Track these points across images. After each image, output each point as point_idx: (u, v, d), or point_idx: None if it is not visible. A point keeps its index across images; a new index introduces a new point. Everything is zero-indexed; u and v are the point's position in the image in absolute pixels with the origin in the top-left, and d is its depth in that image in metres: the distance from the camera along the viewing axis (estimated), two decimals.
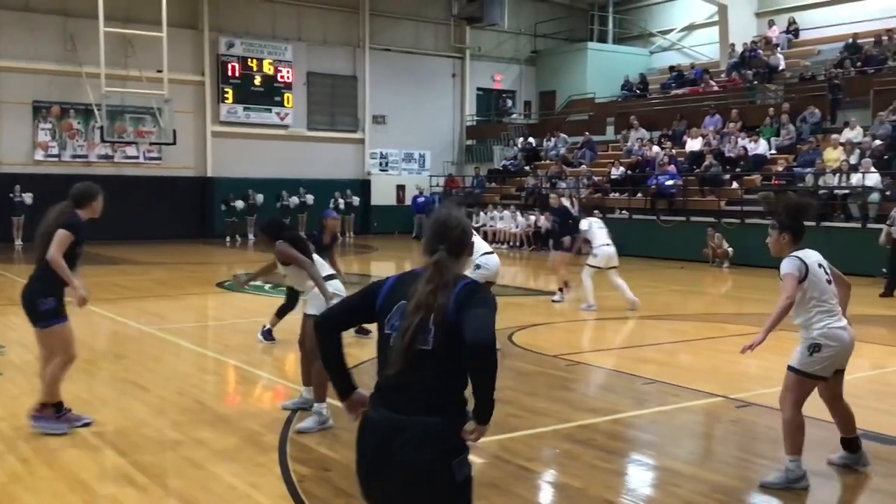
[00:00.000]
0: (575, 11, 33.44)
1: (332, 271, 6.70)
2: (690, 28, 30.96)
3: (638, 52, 32.21)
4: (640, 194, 22.53)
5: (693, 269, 18.45)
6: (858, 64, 22.74)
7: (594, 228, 12.37)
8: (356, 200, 28.68)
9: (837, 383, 5.17)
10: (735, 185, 20.72)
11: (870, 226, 15.99)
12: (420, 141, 30.85)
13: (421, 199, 28.48)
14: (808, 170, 19.16)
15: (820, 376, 5.00)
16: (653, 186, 21.98)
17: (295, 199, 26.93)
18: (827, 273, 5.02)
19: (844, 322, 5.02)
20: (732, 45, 27.38)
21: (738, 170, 21.13)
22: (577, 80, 31.16)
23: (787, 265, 4.95)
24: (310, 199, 26.97)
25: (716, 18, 28.81)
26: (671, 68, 29.03)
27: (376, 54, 29.89)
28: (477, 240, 10.31)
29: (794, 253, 5.00)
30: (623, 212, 22.67)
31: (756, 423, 6.57)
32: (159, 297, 13.57)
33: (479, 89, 32.56)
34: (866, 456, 5.26)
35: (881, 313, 12.03)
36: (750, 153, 21.25)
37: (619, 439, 5.98)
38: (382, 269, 20.37)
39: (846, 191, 17.51)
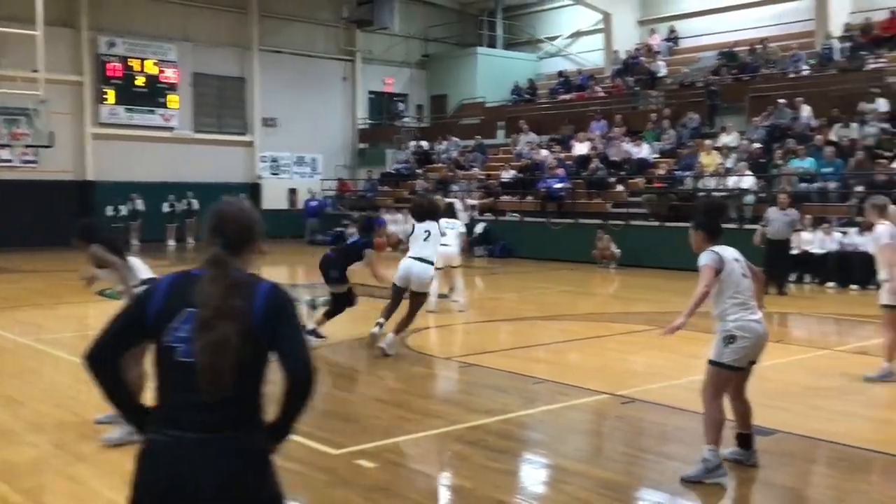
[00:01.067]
0: (464, 17, 33.80)
1: (152, 275, 6.32)
2: (577, 35, 31.75)
3: (526, 57, 32.80)
4: (530, 197, 22.93)
5: (582, 270, 18.89)
6: (734, 71, 23.82)
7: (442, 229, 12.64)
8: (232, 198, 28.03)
9: (745, 377, 5.39)
10: (620, 187, 21.34)
11: (745, 226, 16.73)
12: (312, 144, 30.52)
13: (314, 204, 28.18)
14: (688, 173, 19.92)
15: (736, 367, 5.20)
16: (542, 189, 22.40)
17: (183, 204, 26.18)
18: (743, 268, 5.25)
19: (759, 315, 5.25)
20: (616, 52, 28.23)
21: (622, 173, 21.77)
22: (468, 84, 31.50)
23: (704, 258, 5.21)
24: (196, 203, 26.25)
25: (600, 26, 29.64)
26: (559, 74, 29.70)
27: (266, 56, 29.39)
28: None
29: (712, 248, 5.25)
30: (514, 214, 23.04)
31: (640, 418, 6.76)
32: (35, 306, 12.94)
33: (370, 92, 32.47)
34: (756, 454, 5.45)
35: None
36: (634, 157, 21.94)
37: (508, 439, 6.05)
38: (274, 274, 20.02)
39: (723, 193, 18.27)
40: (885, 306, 7.86)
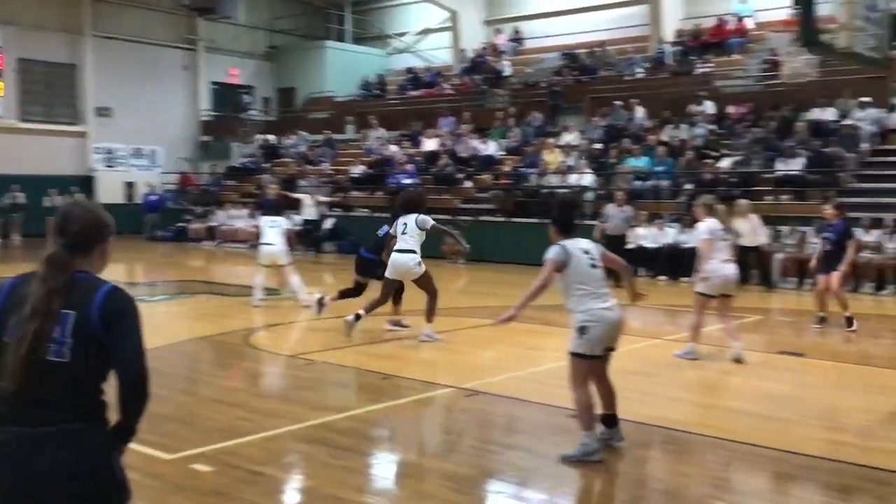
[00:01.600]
0: (312, 9, 33.31)
1: None
2: (425, 32, 31.95)
3: (376, 52, 32.72)
4: (379, 192, 22.87)
5: (431, 266, 18.93)
6: (575, 73, 24.67)
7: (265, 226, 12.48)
8: (81, 198, 26.53)
9: (605, 363, 5.58)
10: (469, 184, 21.64)
11: (586, 222, 17.34)
12: (150, 136, 29.21)
13: (153, 198, 26.97)
14: (533, 170, 20.45)
15: (593, 355, 5.35)
16: (392, 185, 22.39)
17: (8, 198, 24.46)
18: (593, 259, 5.39)
19: (610, 303, 5.42)
20: (463, 50, 28.63)
21: (470, 169, 22.09)
22: (317, 77, 31.07)
23: (550, 252, 5.40)
24: (22, 197, 24.60)
25: (448, 24, 29.96)
26: (408, 70, 29.79)
27: (100, 42, 27.87)
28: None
29: (561, 242, 5.41)
30: (364, 210, 22.91)
31: (484, 410, 6.84)
32: None
33: (214, 83, 31.43)
34: (621, 431, 5.67)
35: None
36: (481, 154, 22.32)
37: (352, 436, 5.96)
38: (112, 272, 18.99)
39: (566, 190, 18.86)
40: (697, 293, 8.71)
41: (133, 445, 5.51)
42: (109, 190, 28.10)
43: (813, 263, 11.34)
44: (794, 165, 16.94)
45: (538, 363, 8.55)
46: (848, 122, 17.68)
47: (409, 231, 9.50)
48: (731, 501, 4.84)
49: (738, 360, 8.40)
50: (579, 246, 5.44)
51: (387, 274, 9.60)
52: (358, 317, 9.46)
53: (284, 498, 5.01)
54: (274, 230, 12.16)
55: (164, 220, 26.33)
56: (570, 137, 21.31)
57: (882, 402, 7.06)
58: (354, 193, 23.54)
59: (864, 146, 17.28)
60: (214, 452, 5.43)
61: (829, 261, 10.73)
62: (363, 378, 7.84)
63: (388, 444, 5.98)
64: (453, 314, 12.11)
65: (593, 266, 5.40)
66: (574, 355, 5.37)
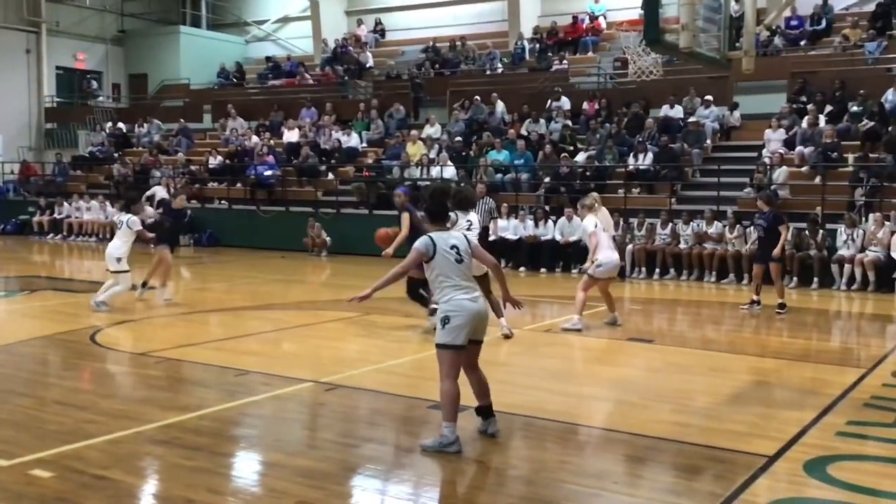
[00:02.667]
0: None
1: None
2: (285, 20, 31.36)
3: (233, 39, 31.84)
4: (239, 184, 22.30)
5: (294, 259, 18.73)
6: (437, 66, 24.85)
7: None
8: None
9: (474, 354, 5.60)
10: (331, 176, 21.42)
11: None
12: None
13: None
14: (395, 162, 20.47)
15: (457, 345, 5.36)
16: (252, 176, 21.90)
17: None
18: (460, 254, 5.41)
19: (474, 294, 5.46)
20: (325, 40, 28.28)
21: (333, 161, 21.88)
22: (171, 64, 29.91)
23: (417, 243, 5.44)
24: None
25: (308, 13, 29.52)
26: (267, 59, 29.15)
27: None
28: None
29: (431, 233, 5.46)
30: (222, 202, 22.28)
31: (343, 404, 6.77)
32: None
33: (59, 68, 29.73)
34: (496, 423, 5.73)
35: None
36: (344, 146, 22.13)
37: (205, 435, 5.76)
38: None
39: (427, 182, 18.98)
40: (587, 274, 10.06)
41: None
42: None
43: (747, 251, 13.37)
44: (644, 160, 17.71)
45: (400, 355, 8.56)
46: (693, 119, 18.63)
47: (473, 229, 8.86)
48: (585, 485, 4.99)
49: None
50: (448, 239, 5.48)
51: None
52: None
53: (132, 503, 4.78)
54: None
55: (4, 212, 24.70)
56: (431, 130, 21.45)
57: (723, 385, 7.47)
58: (212, 185, 22.84)
59: (708, 142, 18.25)
60: (56, 457, 5.13)
61: (763, 248, 11.81)
62: (218, 375, 7.60)
63: (243, 442, 5.83)
64: (315, 307, 11.98)
65: (459, 260, 5.44)
66: (440, 346, 5.40)
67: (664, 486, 5.04)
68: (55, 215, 23.73)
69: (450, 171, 19.27)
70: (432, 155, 20.15)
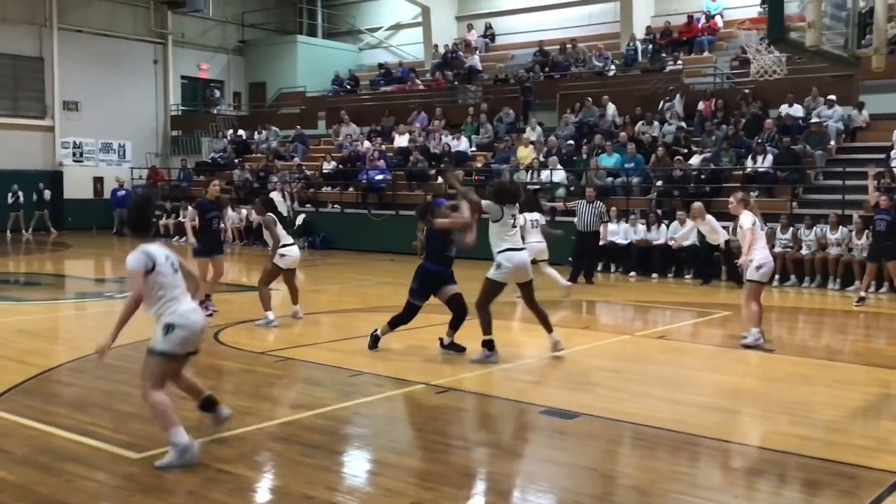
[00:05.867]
0: (283, 3, 33.11)
1: None
2: (397, 27, 31.88)
3: (347, 47, 32.58)
4: (351, 188, 22.79)
5: (403, 262, 18.96)
6: (546, 69, 24.73)
7: None
8: (47, 194, 26.13)
9: (182, 365, 5.48)
10: (440, 180, 21.61)
11: (557, 219, 17.41)
12: (119, 130, 28.89)
13: (122, 193, 26.66)
14: (505, 166, 20.49)
15: (177, 354, 5.30)
16: (363, 181, 22.34)
17: None
18: (174, 263, 5.36)
19: (194, 305, 5.43)
20: (436, 46, 28.59)
21: (442, 165, 22.08)
22: (288, 72, 30.88)
23: (132, 261, 5.21)
24: None
25: (420, 19, 29.90)
26: (380, 65, 29.70)
27: (66, 35, 27.48)
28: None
29: (140, 249, 5.26)
30: (335, 206, 22.84)
31: (455, 407, 6.84)
32: None
33: (183, 77, 31.13)
34: (222, 409, 5.63)
35: (567, 298, 13.10)
36: (453, 150, 22.31)
37: (322, 433, 5.92)
38: (78, 267, 18.78)
39: (537, 186, 18.93)
40: (749, 281, 9.20)
41: (99, 444, 5.48)
42: (77, 185, 27.80)
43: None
44: (762, 162, 17.12)
45: (510, 360, 8.56)
46: (815, 119, 17.90)
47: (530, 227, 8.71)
48: (702, 496, 4.87)
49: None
50: (159, 250, 5.35)
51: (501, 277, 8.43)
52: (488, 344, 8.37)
53: (254, 497, 4.97)
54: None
55: None
56: (533, 134, 21.35)
57: (848, 397, 7.15)
58: (325, 189, 23.43)
59: (832, 144, 17.49)
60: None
61: (881, 246, 12.17)
62: (333, 375, 7.80)
63: (358, 442, 5.96)
64: (425, 310, 12.07)
65: (175, 270, 5.38)
66: (160, 354, 5.25)
67: (786, 502, 4.86)
68: (180, 219, 24.83)
69: (559, 175, 19.13)
70: (542, 158, 20.05)
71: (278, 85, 31.09)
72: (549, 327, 8.56)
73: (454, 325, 8.72)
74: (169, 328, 5.19)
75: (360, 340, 9.68)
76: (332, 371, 7.95)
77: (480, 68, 26.41)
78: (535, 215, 13.31)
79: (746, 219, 9.21)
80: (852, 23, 6.88)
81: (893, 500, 4.73)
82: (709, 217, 14.77)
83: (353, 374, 7.71)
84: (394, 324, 8.94)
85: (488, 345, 8.30)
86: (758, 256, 9.07)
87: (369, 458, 5.59)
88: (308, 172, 24.18)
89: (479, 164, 21.60)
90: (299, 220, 21.94)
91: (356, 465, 5.49)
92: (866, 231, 14.16)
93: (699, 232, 15.20)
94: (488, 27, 29.21)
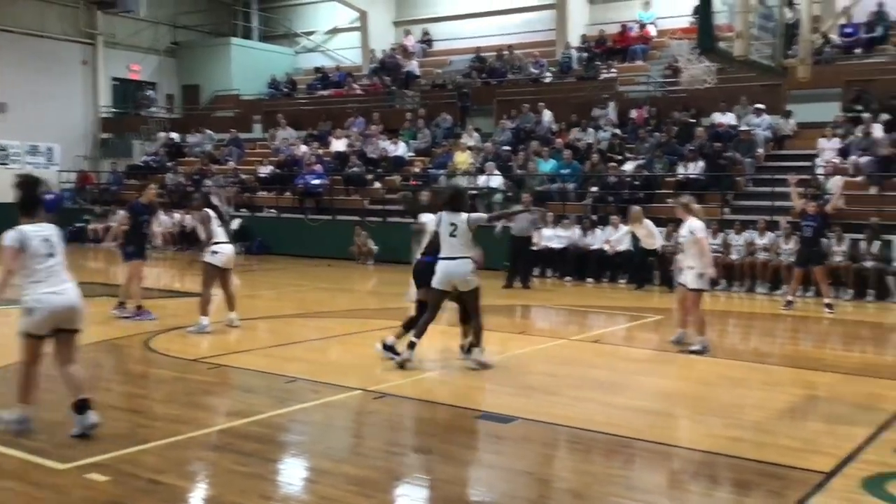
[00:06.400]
0: (217, 5, 32.60)
1: None
2: (334, 31, 31.66)
3: (283, 51, 32.22)
4: (288, 193, 22.56)
5: (340, 267, 18.88)
6: (483, 75, 24.87)
7: None
8: None
9: (66, 347, 5.70)
10: (378, 185, 21.56)
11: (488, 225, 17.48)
12: (47, 132, 27.99)
13: (50, 197, 25.63)
14: (442, 171, 20.52)
15: (36, 335, 5.55)
16: (300, 185, 22.14)
17: None
18: (52, 246, 5.59)
19: (60, 287, 5.59)
20: (373, 50, 28.51)
21: (380, 170, 22.02)
22: (222, 75, 30.39)
23: (6, 238, 5.49)
24: None
25: (357, 24, 29.78)
26: (316, 69, 29.48)
27: None
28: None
29: (20, 226, 5.54)
30: (271, 211, 22.58)
31: (391, 412, 6.80)
32: None
33: (114, 79, 30.36)
34: (90, 416, 5.69)
35: (503, 303, 13.19)
36: (390, 154, 22.26)
37: (257, 441, 5.83)
38: None
39: (474, 191, 18.99)
40: (693, 290, 9.15)
41: (23, 455, 5.30)
42: (2, 188, 26.86)
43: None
44: (694, 169, 17.50)
45: (448, 365, 8.56)
46: (745, 127, 18.36)
47: (459, 233, 8.13)
48: (636, 499, 4.93)
49: None
50: (40, 231, 5.59)
51: (435, 283, 8.19)
52: (412, 344, 8.16)
53: None
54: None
55: (61, 219, 25.25)
56: (471, 140, 21.46)
57: (776, 399, 7.33)
58: (262, 193, 23.14)
59: (760, 151, 17.97)
60: (111, 461, 5.23)
61: (808, 251, 12.69)
62: (269, 381, 7.69)
63: (294, 449, 5.88)
64: (362, 315, 12.05)
65: (50, 254, 5.56)
66: (22, 334, 5.54)
67: (717, 502, 4.96)
68: (110, 223, 24.21)
69: (497, 180, 19.25)
70: (479, 164, 20.15)
71: (212, 87, 30.59)
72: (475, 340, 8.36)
73: (408, 327, 8.52)
74: (27, 310, 5.48)
75: (297, 346, 9.58)
76: (268, 378, 7.84)
77: (418, 73, 26.42)
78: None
79: (698, 225, 9.17)
80: (779, 34, 7.09)
81: (819, 499, 4.86)
82: (646, 221, 15.04)
83: (289, 381, 7.61)
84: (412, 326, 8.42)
85: (410, 345, 8.17)
86: (701, 264, 9.16)
87: (305, 465, 5.53)
88: (243, 176, 23.85)
89: (417, 170, 21.59)
90: (235, 224, 21.60)
91: (292, 473, 5.41)
92: (794, 237, 14.58)
93: (634, 236, 15.47)
94: (426, 33, 29.24)
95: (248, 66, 30.03)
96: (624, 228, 15.50)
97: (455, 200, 8.23)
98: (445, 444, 6.01)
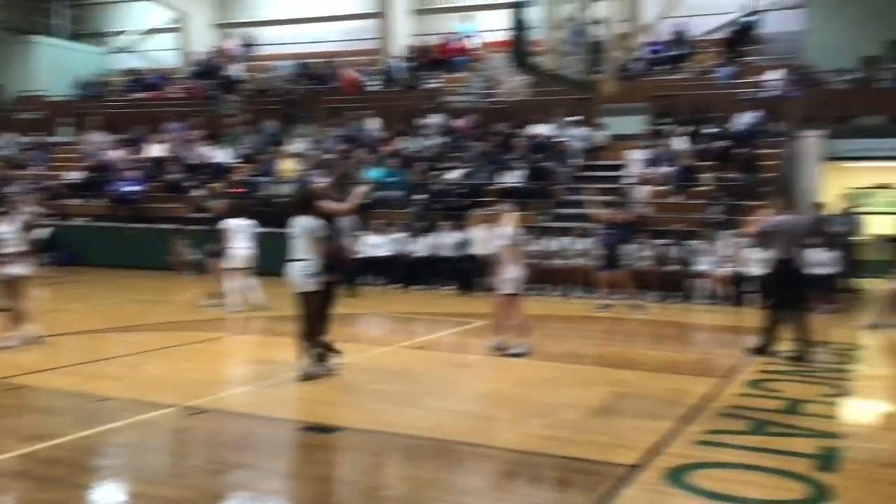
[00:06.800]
0: (20, 0, 30.43)
1: None
2: (151, 32, 30.33)
3: (94, 50, 30.51)
4: (100, 200, 21.34)
5: (158, 278, 18.05)
6: (309, 82, 24.61)
7: None
8: None
9: None
10: (198, 192, 20.80)
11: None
12: None
13: None
14: (266, 179, 20.11)
15: None
16: (114, 192, 21.01)
17: None
18: None
19: None
20: (192, 53, 27.54)
21: (201, 177, 21.27)
22: (26, 74, 28.36)
23: None
24: None
25: (175, 25, 28.68)
26: (130, 71, 28.11)
27: None
28: None
29: None
30: (82, 218, 21.27)
31: (209, 429, 6.56)
32: None
33: None
34: None
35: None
36: (212, 161, 21.57)
37: (61, 466, 5.44)
38: None
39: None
40: (507, 294, 9.53)
41: None
42: None
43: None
44: (515, 178, 18.08)
45: (268, 377, 8.37)
46: (561, 138, 19.19)
47: (297, 236, 8.08)
48: (456, 502, 5.00)
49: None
50: None
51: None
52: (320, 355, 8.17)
53: None
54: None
55: None
56: (303, 146, 21.22)
57: (589, 397, 7.68)
58: (72, 201, 21.77)
59: (575, 161, 18.83)
60: None
61: (612, 256, 13.22)
62: (75, 401, 7.21)
63: (104, 473, 5.54)
64: (179, 328, 11.58)
65: None
66: None
67: (534, 500, 5.12)
68: None
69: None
70: (304, 171, 19.90)
71: (15, 88, 28.46)
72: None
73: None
74: None
75: (108, 363, 9.06)
76: (74, 397, 7.36)
77: (241, 78, 25.78)
78: (248, 221, 13.34)
79: (510, 232, 9.62)
80: (588, 50, 7.45)
81: (626, 491, 5.12)
82: (484, 227, 15.27)
83: (98, 400, 7.17)
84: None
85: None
86: (514, 270, 9.55)
87: (117, 489, 5.22)
88: (50, 183, 22.33)
89: (240, 177, 21.03)
90: (43, 233, 20.18)
91: (101, 498, 5.09)
92: (597, 241, 15.40)
93: (459, 243, 15.73)
94: (248, 37, 28.55)
95: (55, 66, 28.22)
96: (474, 231, 15.54)
97: (299, 204, 8.33)
98: (269, 458, 5.86)
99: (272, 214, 17.99)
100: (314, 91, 24.15)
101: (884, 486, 5.27)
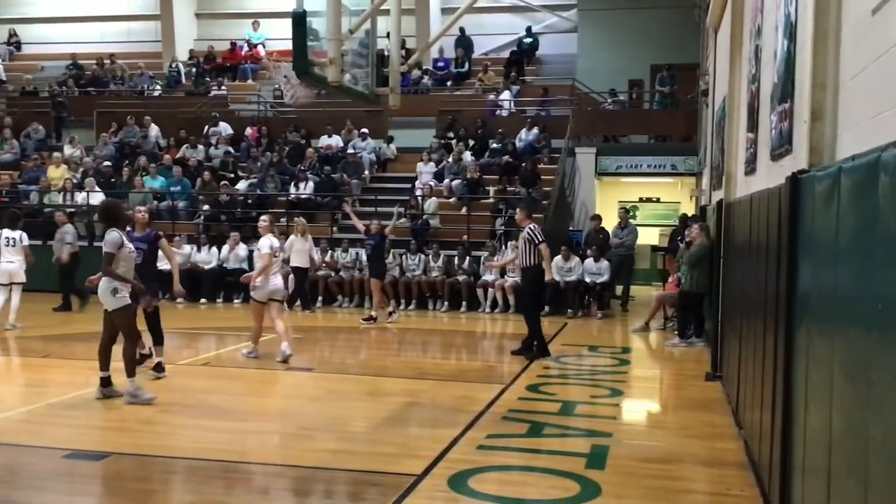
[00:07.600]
0: None
1: None
2: None
3: None
4: None
5: None
6: (82, 83, 23.09)
7: None
8: None
9: None
10: None
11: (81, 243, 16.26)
12: None
13: None
14: (33, 187, 18.64)
15: None
16: None
17: None
18: None
19: None
20: None
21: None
22: None
23: None
24: None
25: None
26: None
27: None
28: None
29: None
30: None
31: None
32: None
33: None
34: None
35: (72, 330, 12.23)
36: None
37: None
38: None
39: (72, 209, 17.47)
40: (263, 302, 9.76)
41: None
42: None
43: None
44: (305, 189, 17.88)
45: (37, 400, 7.70)
46: (351, 150, 19.21)
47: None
48: None
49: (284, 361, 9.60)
50: None
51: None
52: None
53: None
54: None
55: None
56: (76, 153, 19.86)
57: (379, 409, 7.69)
58: None
59: (366, 173, 18.92)
60: None
61: (374, 266, 13.37)
62: None
63: None
64: None
65: None
66: None
67: None
68: None
69: (98, 198, 17.90)
70: (78, 179, 18.62)
71: None
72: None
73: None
74: None
75: None
76: None
77: (5, 78, 23.77)
78: (17, 233, 12.44)
79: (267, 243, 9.77)
80: (371, 63, 7.48)
81: (410, 500, 5.13)
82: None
83: None
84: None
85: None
86: (274, 279, 9.81)
87: None
88: None
89: (3, 185, 19.34)
90: None
91: None
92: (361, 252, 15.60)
93: (249, 255, 15.31)
94: (13, 34, 26.39)
95: None
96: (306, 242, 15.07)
97: (102, 216, 8.16)
98: (24, 490, 5.37)
99: (40, 225, 16.71)
100: (88, 94, 22.68)
101: (646, 480, 5.65)
